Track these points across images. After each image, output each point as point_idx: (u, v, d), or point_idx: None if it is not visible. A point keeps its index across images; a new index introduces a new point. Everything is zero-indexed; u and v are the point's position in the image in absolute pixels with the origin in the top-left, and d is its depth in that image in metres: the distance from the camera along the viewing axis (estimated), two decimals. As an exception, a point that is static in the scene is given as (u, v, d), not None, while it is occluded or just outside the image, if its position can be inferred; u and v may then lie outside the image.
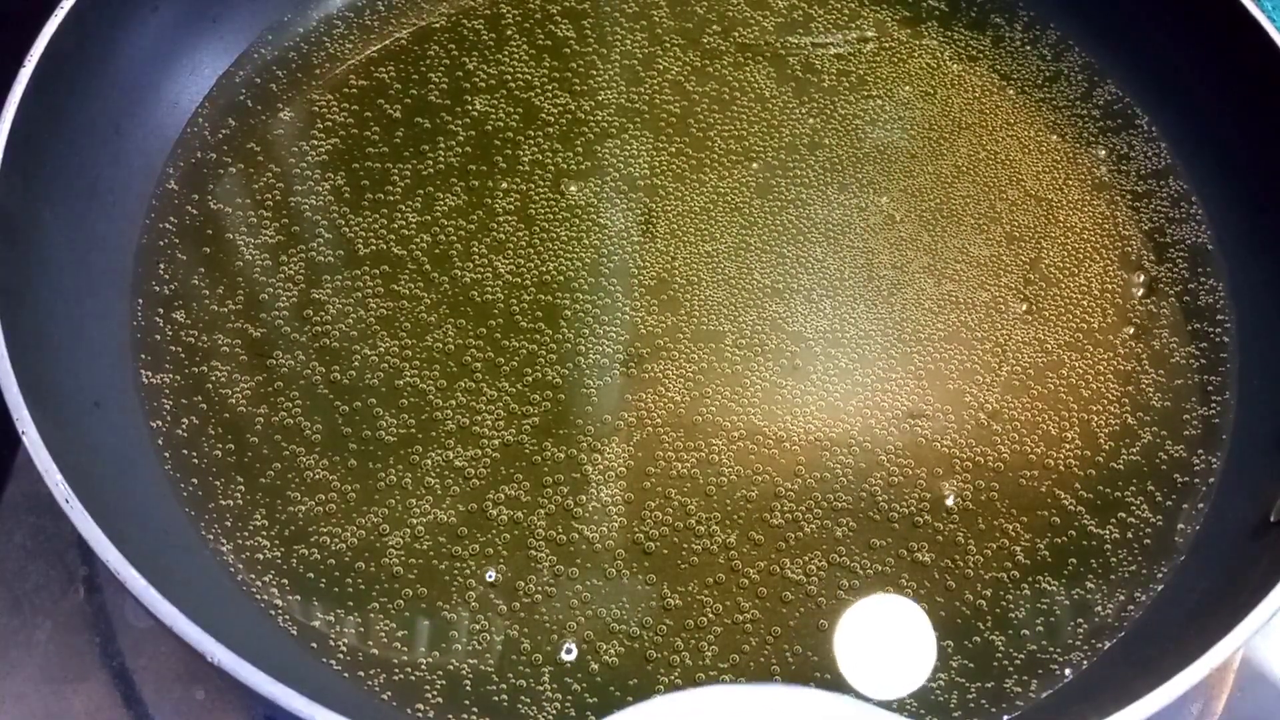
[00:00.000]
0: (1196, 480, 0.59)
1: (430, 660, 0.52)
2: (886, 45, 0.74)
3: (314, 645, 0.52)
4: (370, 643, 0.52)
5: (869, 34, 0.74)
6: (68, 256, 0.60)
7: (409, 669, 0.52)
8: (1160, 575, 0.56)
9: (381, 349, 0.60)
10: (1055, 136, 0.70)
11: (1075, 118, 0.71)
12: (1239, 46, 0.65)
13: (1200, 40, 0.68)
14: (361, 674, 0.52)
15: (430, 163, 0.67)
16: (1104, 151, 0.70)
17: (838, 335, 0.62)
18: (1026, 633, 0.54)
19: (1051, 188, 0.68)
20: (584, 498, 0.56)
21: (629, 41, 0.73)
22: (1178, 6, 0.69)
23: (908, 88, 0.72)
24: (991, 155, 0.69)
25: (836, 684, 0.52)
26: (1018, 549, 0.56)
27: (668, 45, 0.72)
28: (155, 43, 0.67)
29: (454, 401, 0.59)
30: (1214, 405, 0.61)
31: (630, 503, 0.56)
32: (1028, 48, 0.74)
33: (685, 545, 0.55)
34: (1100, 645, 0.54)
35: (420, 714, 0.51)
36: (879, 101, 0.71)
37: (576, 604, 0.54)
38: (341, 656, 0.52)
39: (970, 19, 0.75)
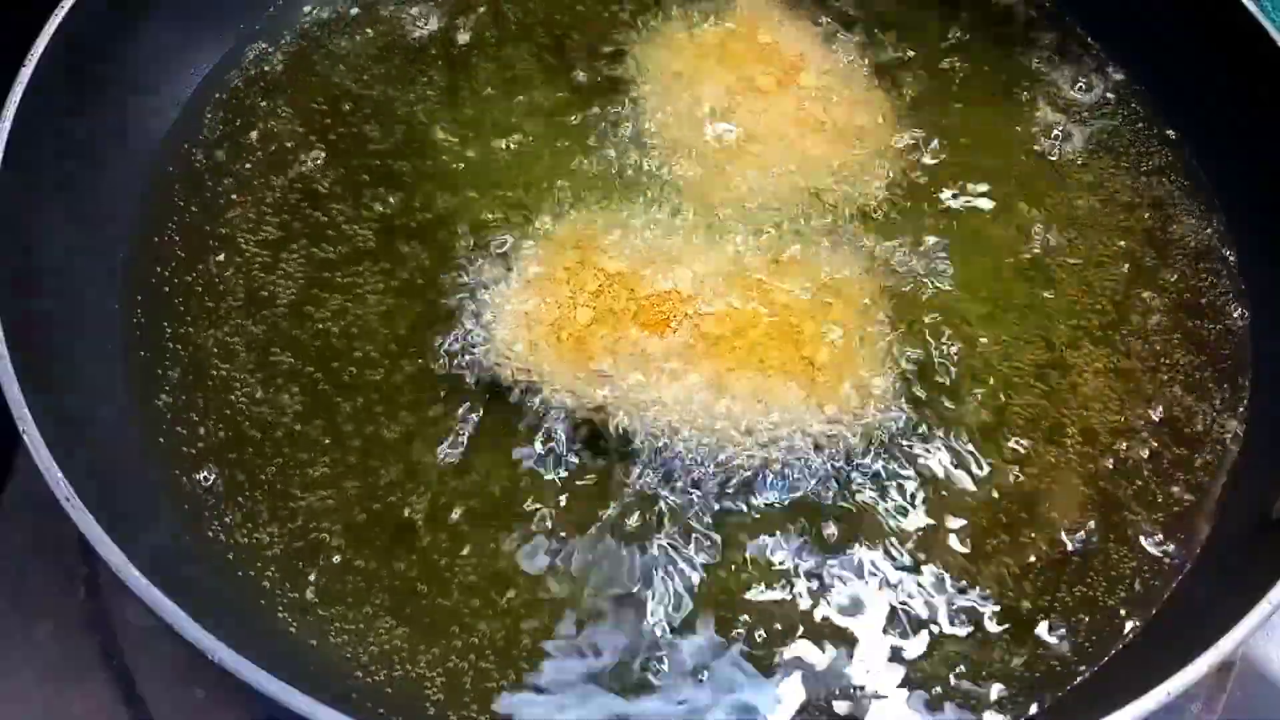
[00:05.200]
0: (1197, 480, 0.59)
1: (430, 657, 0.52)
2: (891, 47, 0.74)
3: (314, 643, 0.52)
4: (370, 640, 0.52)
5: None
6: (68, 255, 0.60)
7: (409, 666, 0.52)
8: (1162, 576, 0.56)
9: (382, 346, 0.60)
10: (1057, 135, 0.70)
11: (1076, 117, 0.71)
12: (1239, 45, 0.65)
13: (1201, 38, 0.68)
14: (361, 672, 0.52)
15: (429, 161, 0.67)
16: (1105, 150, 0.70)
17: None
18: (1029, 633, 0.54)
19: (1053, 186, 0.68)
20: (578, 504, 0.56)
21: (629, 40, 0.73)
22: (1179, 6, 0.69)
23: (908, 89, 0.72)
24: (995, 154, 0.69)
25: (841, 685, 0.52)
26: (1019, 549, 0.56)
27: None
28: (155, 43, 0.67)
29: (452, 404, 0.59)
30: (1215, 405, 0.61)
31: (616, 506, 0.56)
32: (1029, 45, 0.74)
33: (683, 554, 0.56)
34: (1101, 645, 0.54)
35: (421, 711, 0.51)
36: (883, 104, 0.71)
37: (572, 606, 0.54)
38: (342, 654, 0.52)
39: (971, 16, 0.75)
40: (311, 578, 0.54)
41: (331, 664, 0.52)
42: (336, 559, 0.54)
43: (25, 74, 0.58)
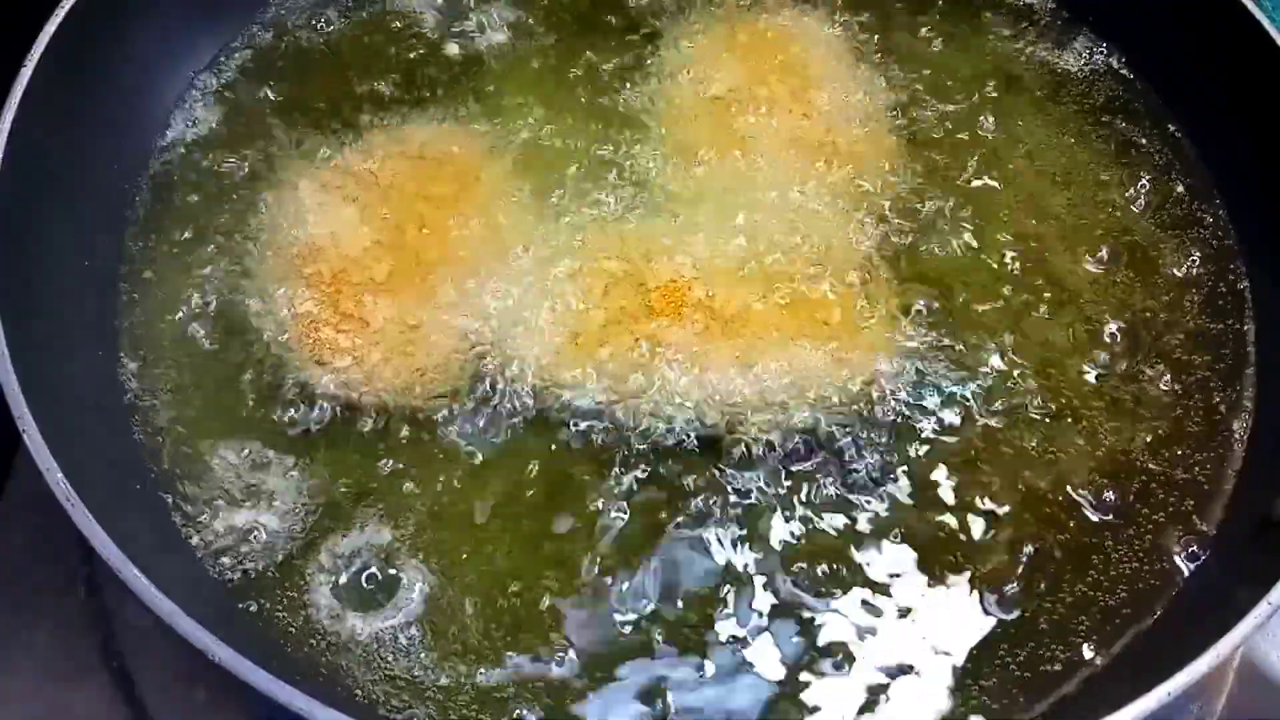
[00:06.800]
0: (1199, 480, 0.59)
1: (429, 658, 0.52)
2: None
3: (313, 643, 0.52)
4: (369, 641, 0.53)
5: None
6: (68, 256, 0.60)
7: (408, 667, 0.52)
8: (1162, 575, 0.56)
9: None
10: (1062, 136, 0.70)
11: (1080, 116, 0.71)
12: (1241, 46, 0.65)
13: (1203, 39, 0.68)
14: (360, 673, 0.52)
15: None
16: (1110, 149, 0.70)
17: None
18: (1030, 632, 0.54)
19: (1057, 186, 0.68)
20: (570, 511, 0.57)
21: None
22: (1182, 6, 0.69)
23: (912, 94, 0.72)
24: (998, 154, 0.69)
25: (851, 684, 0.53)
26: (1022, 548, 0.56)
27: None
28: (154, 42, 0.67)
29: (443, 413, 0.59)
30: (1217, 404, 0.61)
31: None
32: (1033, 46, 0.74)
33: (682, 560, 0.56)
34: (1103, 644, 0.54)
35: (419, 712, 0.51)
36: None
37: (564, 611, 0.54)
38: (341, 654, 0.52)
39: (977, 18, 0.75)
40: (310, 579, 0.54)
41: (331, 665, 0.52)
42: (335, 560, 0.54)
43: (25, 74, 0.58)
